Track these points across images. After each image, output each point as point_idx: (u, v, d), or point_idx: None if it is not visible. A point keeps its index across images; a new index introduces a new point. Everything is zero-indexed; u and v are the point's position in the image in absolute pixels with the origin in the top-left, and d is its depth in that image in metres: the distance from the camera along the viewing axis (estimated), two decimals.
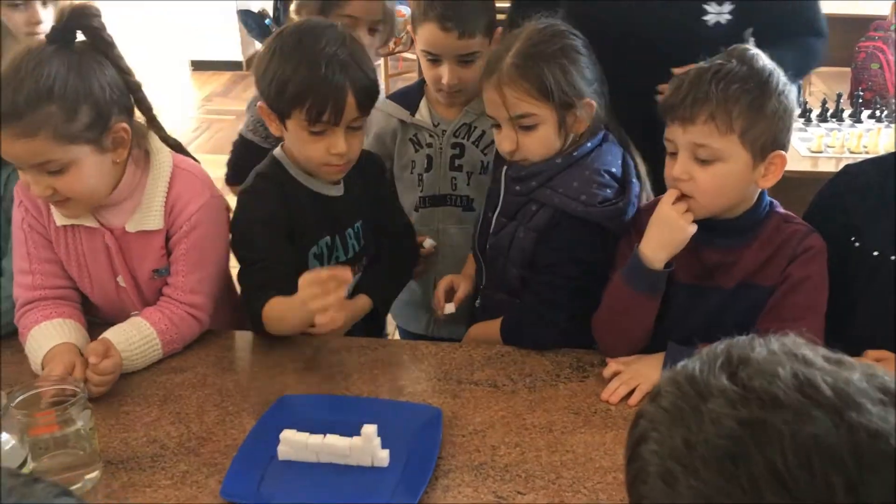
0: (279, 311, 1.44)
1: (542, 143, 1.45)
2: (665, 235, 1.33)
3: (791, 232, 1.36)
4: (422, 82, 1.84)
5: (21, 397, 1.15)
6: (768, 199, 1.38)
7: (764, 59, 1.31)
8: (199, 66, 6.49)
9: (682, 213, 1.32)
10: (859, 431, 0.50)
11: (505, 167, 1.53)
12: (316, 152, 1.46)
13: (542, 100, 1.42)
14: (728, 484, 0.50)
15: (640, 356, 1.40)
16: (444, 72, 1.72)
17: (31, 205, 1.48)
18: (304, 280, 1.33)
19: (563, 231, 1.45)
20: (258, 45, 5.88)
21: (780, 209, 1.39)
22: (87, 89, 1.33)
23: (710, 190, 1.31)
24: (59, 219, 1.46)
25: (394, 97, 1.89)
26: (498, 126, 1.48)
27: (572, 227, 1.44)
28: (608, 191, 1.45)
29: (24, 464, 1.03)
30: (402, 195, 1.87)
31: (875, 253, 1.38)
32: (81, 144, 1.34)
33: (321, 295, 1.31)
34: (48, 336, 1.42)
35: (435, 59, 1.73)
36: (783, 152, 1.31)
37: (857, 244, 1.40)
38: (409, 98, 1.85)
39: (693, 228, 1.32)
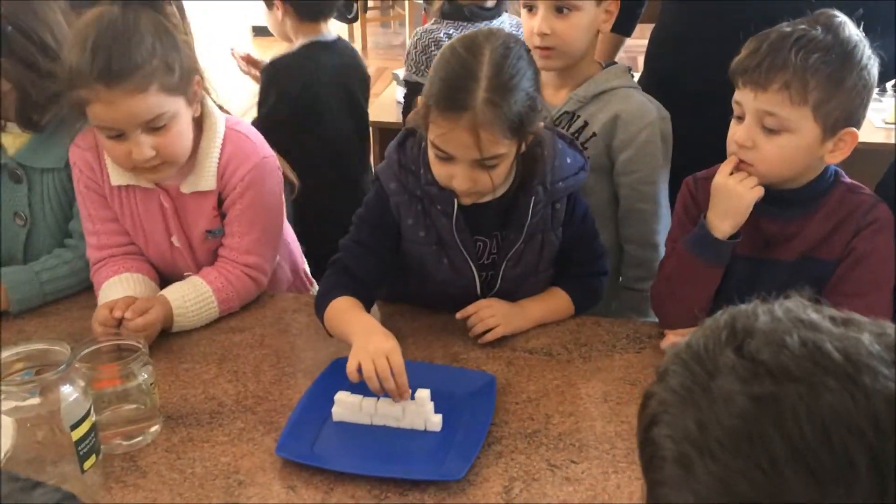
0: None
1: (501, 177, 1.32)
2: (726, 204, 1.29)
3: (857, 203, 1.30)
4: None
5: (85, 351, 1.18)
6: (833, 167, 1.33)
7: (851, 28, 1.24)
8: (260, 31, 6.53)
9: (740, 181, 1.28)
10: (875, 398, 0.48)
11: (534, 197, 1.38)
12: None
13: (513, 138, 1.28)
14: (746, 465, 0.48)
15: (697, 328, 1.36)
16: (537, 21, 1.57)
17: (85, 165, 1.50)
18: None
19: (580, 205, 1.46)
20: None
21: (846, 178, 1.34)
22: (173, 43, 1.37)
23: (772, 160, 1.26)
24: (114, 178, 1.49)
25: None
26: (451, 160, 1.29)
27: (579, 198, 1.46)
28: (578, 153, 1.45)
29: (87, 415, 1.06)
30: None
31: None
32: (179, 97, 1.39)
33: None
34: (114, 290, 1.46)
35: (530, 8, 1.60)
36: (856, 130, 1.25)
37: None
38: None
39: (757, 192, 1.28)
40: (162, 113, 1.35)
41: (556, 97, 1.67)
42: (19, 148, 1.56)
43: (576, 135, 1.63)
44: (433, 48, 2.42)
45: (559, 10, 1.57)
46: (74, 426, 1.04)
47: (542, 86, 1.46)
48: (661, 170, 1.63)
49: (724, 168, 1.30)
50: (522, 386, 1.31)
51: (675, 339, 1.35)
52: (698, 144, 1.45)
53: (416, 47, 2.52)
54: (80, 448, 1.05)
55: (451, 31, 2.44)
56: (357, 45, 6.01)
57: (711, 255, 1.31)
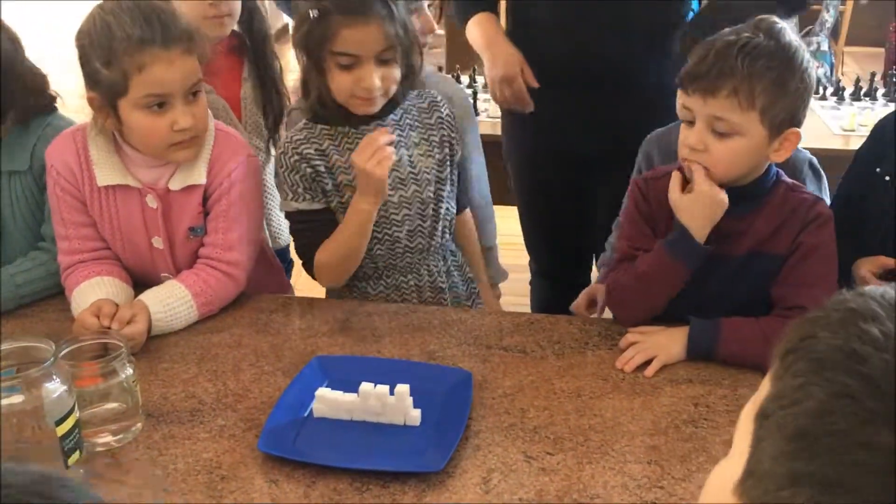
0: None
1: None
2: (708, 211, 1.34)
3: (800, 200, 1.38)
4: None
5: (67, 349, 1.19)
6: (775, 168, 1.40)
7: (790, 34, 1.31)
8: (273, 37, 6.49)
9: (711, 186, 1.33)
10: None
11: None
12: None
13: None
14: None
15: (660, 328, 1.41)
16: None
17: (64, 168, 1.51)
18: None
19: None
20: (286, 18, 5.88)
21: (786, 178, 1.41)
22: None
23: (723, 162, 1.32)
24: (102, 178, 1.50)
25: None
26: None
27: None
28: None
29: (71, 411, 1.07)
30: None
31: (887, 178, 1.47)
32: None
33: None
34: (86, 295, 1.47)
35: None
36: (798, 129, 1.32)
37: (878, 170, 1.49)
38: None
39: (726, 198, 1.33)
40: (199, 79, 1.45)
41: None
42: None
43: None
44: (305, 165, 1.53)
45: None
46: (59, 422, 1.05)
47: None
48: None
49: (702, 176, 1.33)
50: (498, 382, 1.34)
51: (634, 337, 1.40)
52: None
53: (282, 166, 1.55)
54: (64, 444, 1.06)
55: (324, 144, 1.54)
56: None
57: (694, 259, 1.36)
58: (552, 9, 1.84)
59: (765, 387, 0.58)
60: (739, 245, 1.37)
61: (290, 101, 1.99)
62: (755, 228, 1.37)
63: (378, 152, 1.43)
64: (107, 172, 1.49)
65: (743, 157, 1.32)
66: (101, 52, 1.39)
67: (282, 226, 2.10)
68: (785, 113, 1.29)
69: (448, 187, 1.62)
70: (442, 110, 1.61)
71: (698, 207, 1.34)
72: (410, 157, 1.58)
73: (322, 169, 1.52)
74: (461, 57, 3.32)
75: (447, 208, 1.63)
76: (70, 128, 1.54)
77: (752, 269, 1.38)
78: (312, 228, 1.54)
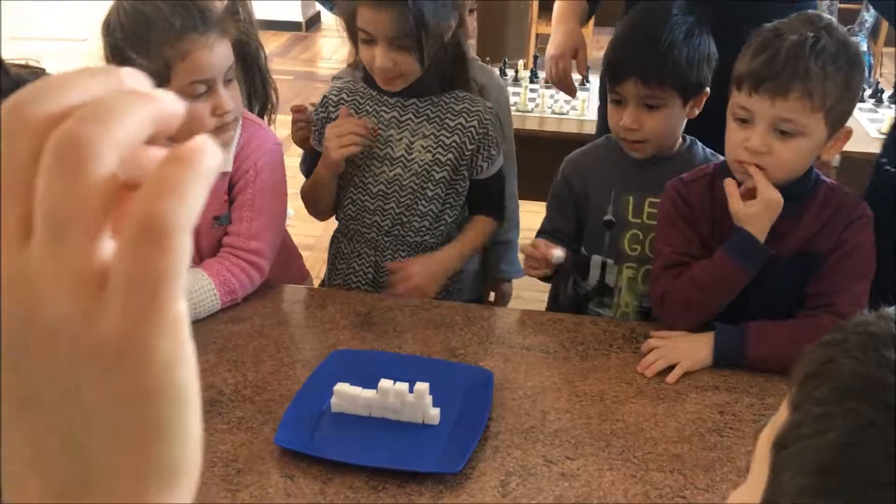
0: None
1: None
2: (772, 213, 1.30)
3: (843, 198, 1.36)
4: None
5: None
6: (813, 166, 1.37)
7: (843, 30, 1.28)
8: (258, 25, 6.52)
9: (767, 186, 1.30)
10: None
11: None
12: None
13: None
14: None
15: (684, 333, 1.38)
16: None
17: None
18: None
19: None
20: (318, 6, 5.88)
21: (823, 176, 1.39)
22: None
23: (788, 163, 1.29)
24: None
25: None
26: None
27: None
28: None
29: None
30: None
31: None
32: None
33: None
34: None
35: None
36: (850, 127, 1.32)
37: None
38: None
39: (781, 197, 1.30)
40: (232, 64, 1.46)
41: None
42: None
43: None
44: (331, 110, 1.66)
45: None
46: None
47: None
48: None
49: (766, 182, 1.29)
50: (520, 382, 1.32)
51: (656, 342, 1.37)
52: None
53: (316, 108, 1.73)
54: None
55: (354, 98, 1.64)
56: None
57: (757, 263, 1.32)
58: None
59: (783, 413, 0.55)
60: (786, 246, 1.34)
61: (276, 90, 1.98)
62: (801, 228, 1.35)
63: (346, 137, 1.54)
64: None
65: (805, 158, 1.30)
66: (138, 43, 1.39)
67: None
68: (846, 111, 1.28)
69: (440, 191, 1.62)
70: (469, 119, 1.60)
71: (766, 211, 1.30)
72: (411, 143, 1.60)
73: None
74: (492, 49, 3.29)
75: (434, 210, 1.63)
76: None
77: (800, 270, 1.36)
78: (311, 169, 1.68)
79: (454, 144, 1.60)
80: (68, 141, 0.28)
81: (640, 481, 1.12)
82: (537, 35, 4.14)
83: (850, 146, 1.80)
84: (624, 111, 1.49)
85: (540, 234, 1.61)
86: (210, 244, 1.57)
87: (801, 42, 1.24)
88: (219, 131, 1.46)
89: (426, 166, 1.60)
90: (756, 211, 1.30)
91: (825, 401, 0.51)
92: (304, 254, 1.94)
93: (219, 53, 1.42)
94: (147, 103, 0.30)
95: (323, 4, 2.36)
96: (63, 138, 0.28)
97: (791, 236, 1.35)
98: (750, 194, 1.31)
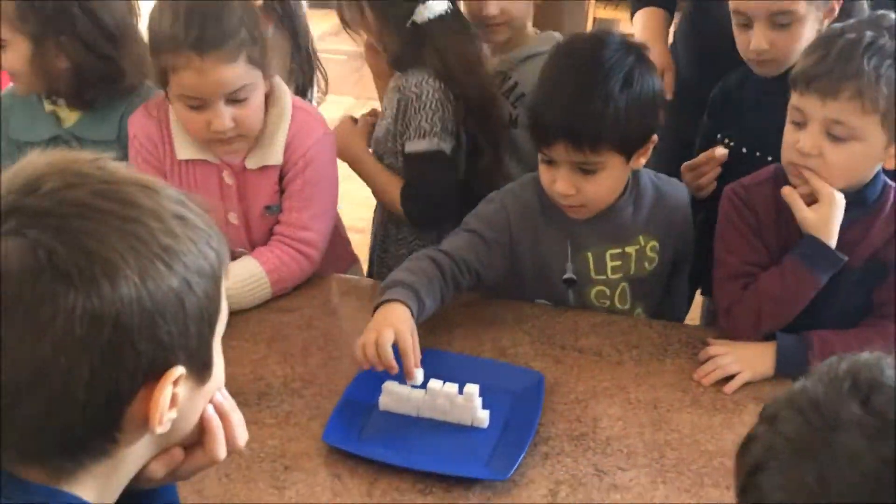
0: None
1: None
2: (837, 213, 1.25)
3: None
4: None
5: None
6: (881, 172, 1.30)
7: None
8: (315, 3, 6.50)
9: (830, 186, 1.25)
10: None
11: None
12: None
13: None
14: None
15: (744, 342, 1.33)
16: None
17: (147, 139, 1.51)
18: None
19: None
20: None
21: (889, 181, 1.32)
22: (255, 16, 1.41)
23: (839, 168, 1.23)
24: (181, 152, 1.49)
25: None
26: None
27: None
28: None
29: None
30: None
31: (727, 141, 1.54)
32: (259, 69, 1.41)
33: None
34: None
35: None
36: None
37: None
38: None
39: (842, 195, 1.25)
40: (246, 84, 1.39)
41: (490, 61, 1.71)
42: (74, 121, 1.60)
43: (506, 94, 1.70)
44: None
45: None
46: None
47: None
48: None
49: (818, 182, 1.24)
50: (571, 386, 1.29)
51: (717, 350, 1.32)
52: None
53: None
54: None
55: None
56: None
57: (830, 269, 1.27)
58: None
59: None
60: (856, 255, 1.29)
61: (323, 71, 1.96)
62: (871, 237, 1.29)
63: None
64: (186, 146, 1.49)
65: (859, 164, 1.25)
66: (153, 40, 1.38)
67: None
68: None
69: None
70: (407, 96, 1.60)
71: (834, 211, 1.25)
72: (379, 124, 1.70)
73: None
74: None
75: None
76: (152, 99, 1.54)
77: (871, 280, 1.31)
78: None
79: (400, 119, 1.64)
80: None
81: (694, 496, 1.08)
82: (595, 19, 4.06)
83: None
84: (556, 172, 1.33)
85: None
86: (262, 231, 1.56)
87: (857, 41, 1.19)
88: (221, 142, 1.43)
89: (381, 138, 1.68)
90: (823, 214, 1.25)
91: None
92: (353, 237, 1.93)
93: (212, 79, 1.34)
94: None
95: None
96: None
97: (861, 245, 1.30)
98: (809, 199, 1.26)
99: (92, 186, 0.65)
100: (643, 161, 1.39)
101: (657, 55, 1.70)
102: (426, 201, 1.65)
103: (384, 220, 1.78)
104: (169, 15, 1.34)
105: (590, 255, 1.43)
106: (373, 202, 1.84)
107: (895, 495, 0.46)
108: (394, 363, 1.19)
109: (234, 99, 1.38)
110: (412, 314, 1.26)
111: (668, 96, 1.68)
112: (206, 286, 0.69)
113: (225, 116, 1.38)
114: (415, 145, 1.61)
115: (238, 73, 1.36)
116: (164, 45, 1.35)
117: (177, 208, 0.68)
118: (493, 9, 1.64)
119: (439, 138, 1.60)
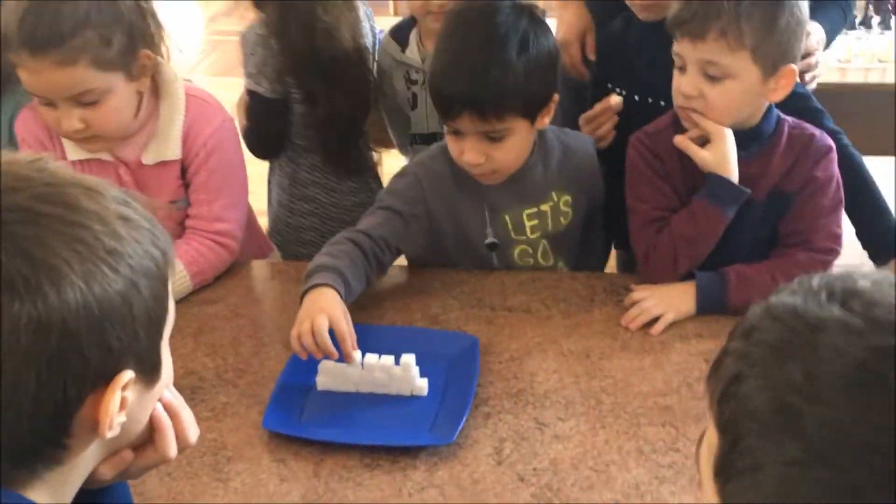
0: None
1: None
2: (731, 149, 1.30)
3: (808, 136, 1.36)
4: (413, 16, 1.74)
5: None
6: (774, 107, 1.36)
7: None
8: None
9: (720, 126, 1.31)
10: None
11: None
12: None
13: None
14: (865, 409, 0.48)
15: (665, 285, 1.37)
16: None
17: (35, 141, 1.44)
18: None
19: None
20: None
21: (786, 116, 1.38)
22: (117, 14, 1.30)
23: (719, 107, 1.29)
24: (72, 153, 1.43)
25: (391, 31, 1.81)
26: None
27: None
28: None
29: None
30: (400, 135, 1.86)
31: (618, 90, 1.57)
32: (116, 72, 1.32)
33: None
34: None
35: None
36: (794, 66, 1.29)
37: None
38: (401, 32, 1.77)
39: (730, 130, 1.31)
40: (91, 88, 1.30)
41: None
42: None
43: None
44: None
45: None
46: None
47: (425, 37, 1.71)
48: None
49: (705, 122, 1.30)
50: (504, 345, 1.31)
51: (640, 294, 1.36)
52: None
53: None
54: None
55: None
56: None
57: (735, 204, 1.32)
58: None
59: (712, 433, 0.57)
60: (759, 188, 1.34)
61: (154, 17, 1.93)
62: (771, 170, 1.35)
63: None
64: (76, 145, 1.42)
65: (739, 100, 1.30)
66: (5, 32, 1.29)
67: None
68: (777, 50, 1.27)
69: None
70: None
71: (725, 146, 1.30)
72: None
73: None
74: None
75: None
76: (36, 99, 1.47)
77: (773, 211, 1.36)
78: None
79: None
80: None
81: (633, 437, 1.12)
82: None
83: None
84: (464, 143, 1.34)
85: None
86: (171, 226, 1.50)
87: None
88: (80, 142, 1.38)
89: None
90: (717, 152, 1.30)
91: (745, 435, 0.52)
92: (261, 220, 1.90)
93: (46, 81, 1.27)
94: None
95: None
96: None
97: (763, 178, 1.35)
98: (703, 141, 1.31)
99: (33, 190, 0.62)
100: (547, 121, 1.40)
101: (574, 14, 1.73)
102: (252, 132, 1.79)
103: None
104: (13, 12, 1.26)
105: (507, 217, 1.44)
106: None
107: (882, 382, 0.48)
108: (333, 349, 1.18)
109: (81, 101, 1.31)
110: (341, 297, 1.25)
111: (592, 57, 1.71)
112: (153, 287, 0.68)
113: (71, 118, 1.31)
114: (245, 82, 1.77)
115: (77, 77, 1.27)
116: (8, 41, 1.27)
117: (121, 209, 0.67)
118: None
119: (255, 80, 1.73)
